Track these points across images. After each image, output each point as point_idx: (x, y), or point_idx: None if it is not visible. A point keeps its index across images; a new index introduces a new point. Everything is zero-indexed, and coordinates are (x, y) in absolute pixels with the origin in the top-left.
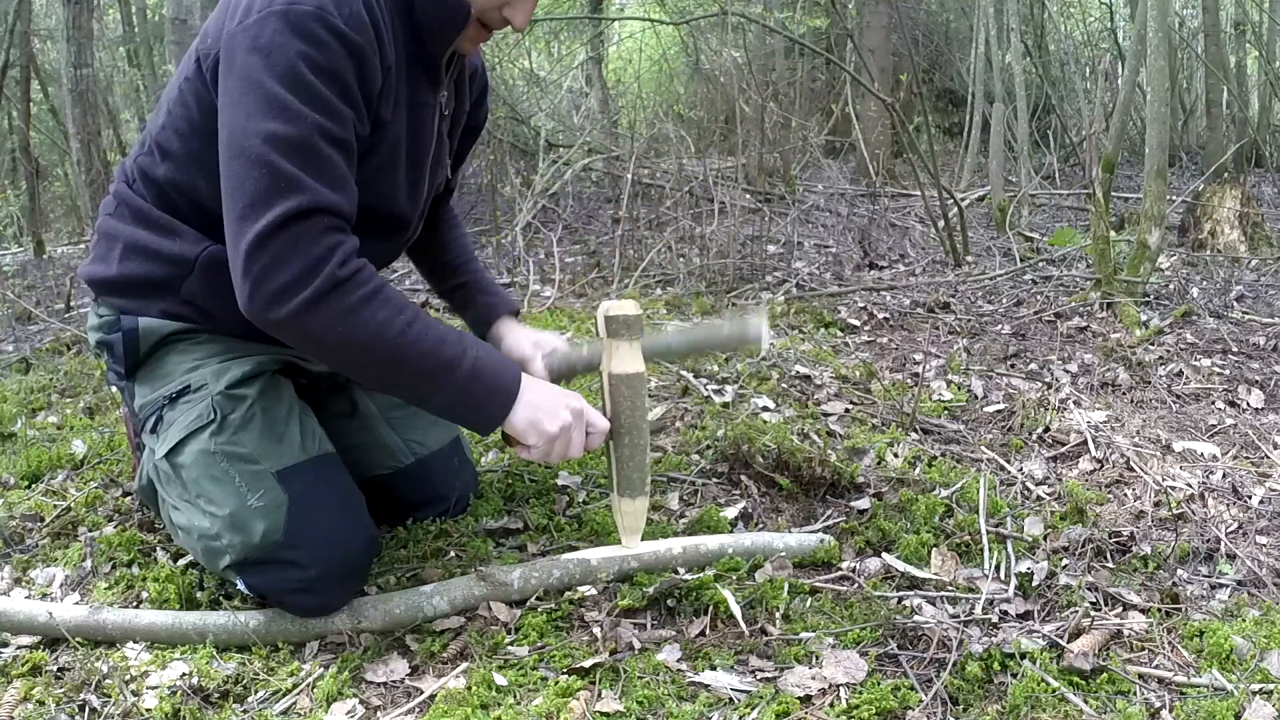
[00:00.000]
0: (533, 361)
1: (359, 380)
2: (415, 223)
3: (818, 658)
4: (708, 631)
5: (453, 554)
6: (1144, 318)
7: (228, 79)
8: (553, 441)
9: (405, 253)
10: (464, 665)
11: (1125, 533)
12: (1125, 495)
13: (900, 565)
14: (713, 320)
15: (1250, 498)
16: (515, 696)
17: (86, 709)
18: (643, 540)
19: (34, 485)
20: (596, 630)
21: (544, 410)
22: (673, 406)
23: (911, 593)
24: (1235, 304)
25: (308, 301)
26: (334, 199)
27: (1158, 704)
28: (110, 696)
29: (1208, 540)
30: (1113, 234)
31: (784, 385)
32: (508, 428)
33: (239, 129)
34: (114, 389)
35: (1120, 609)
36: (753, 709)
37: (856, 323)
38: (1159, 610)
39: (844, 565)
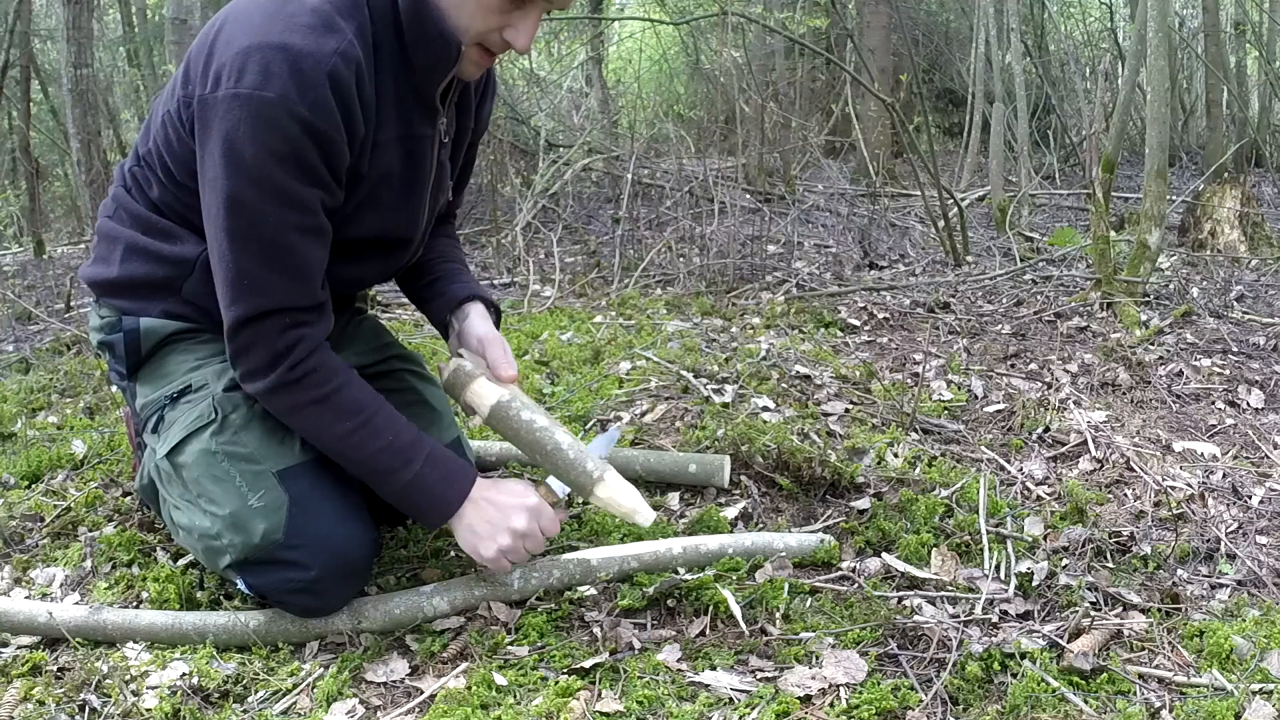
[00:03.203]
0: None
1: None
2: (416, 243)
3: (818, 658)
4: (708, 631)
5: (453, 554)
6: (1144, 318)
7: (201, 156)
8: (496, 559)
9: None
10: (464, 665)
11: (1125, 533)
12: (1125, 495)
13: (900, 565)
14: (679, 455)
15: (1250, 498)
16: (515, 696)
17: (86, 709)
18: (642, 540)
19: (34, 485)
20: (596, 630)
21: (480, 535)
22: (673, 406)
23: (911, 593)
24: (1235, 304)
25: (264, 390)
26: (294, 294)
27: (1158, 704)
28: (110, 696)
29: (1208, 540)
30: (1113, 234)
31: (784, 385)
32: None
33: (211, 218)
34: (115, 389)
35: (1120, 609)
36: (753, 709)
37: (856, 323)
38: (1159, 610)
39: (844, 565)
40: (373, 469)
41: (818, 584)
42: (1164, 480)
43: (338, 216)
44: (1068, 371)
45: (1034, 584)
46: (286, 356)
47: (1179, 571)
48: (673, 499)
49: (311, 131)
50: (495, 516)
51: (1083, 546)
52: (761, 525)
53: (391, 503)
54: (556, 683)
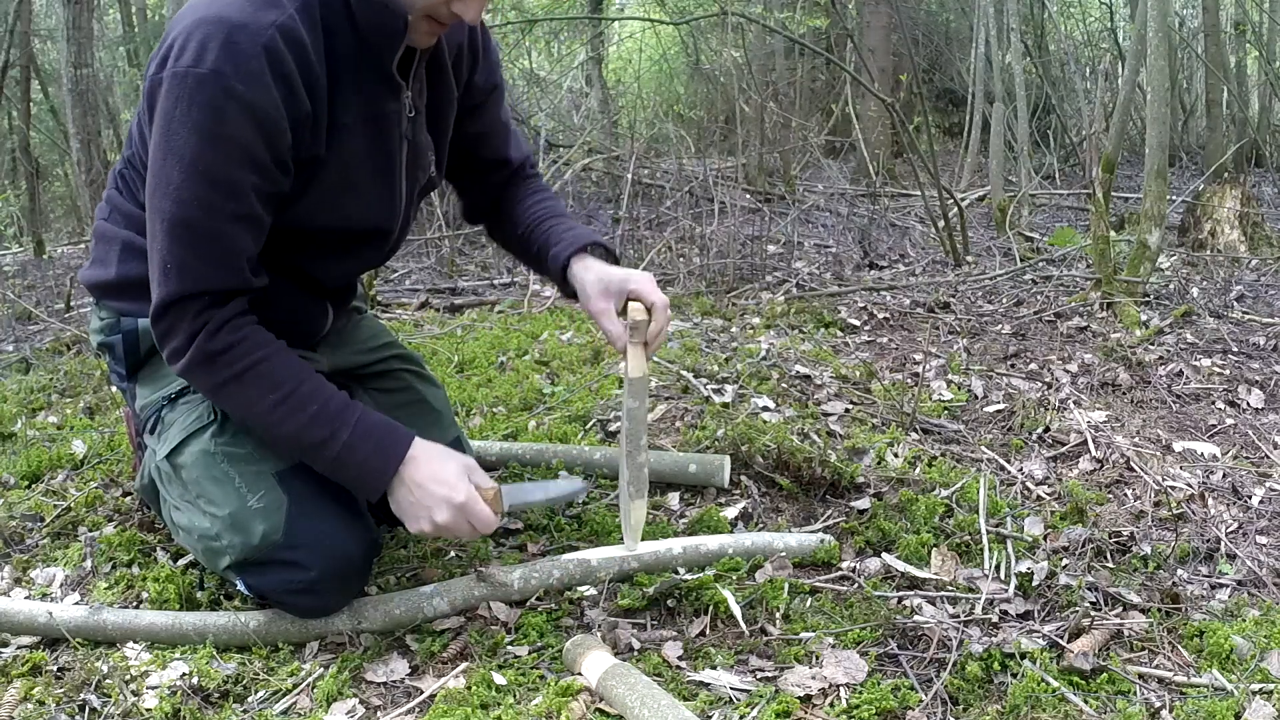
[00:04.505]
0: (604, 316)
1: None
2: (396, 231)
3: (818, 658)
4: (708, 631)
5: (453, 554)
6: (1144, 318)
7: (150, 136)
8: (433, 532)
9: (492, 238)
10: (464, 665)
11: (1125, 533)
12: (1125, 495)
13: (900, 565)
14: (679, 455)
15: (1250, 498)
16: (515, 696)
17: (86, 709)
18: (643, 540)
19: (34, 485)
20: (596, 630)
21: (406, 513)
22: (673, 406)
23: (911, 593)
24: (1235, 304)
25: (185, 368)
26: (215, 280)
27: (1158, 704)
28: (110, 696)
29: (1208, 540)
30: (1113, 234)
31: (784, 385)
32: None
33: (147, 197)
34: (116, 389)
35: (1120, 609)
36: (753, 708)
37: (856, 323)
38: (1159, 610)
39: (844, 565)
40: (302, 442)
41: (818, 584)
42: (1164, 480)
43: (308, 203)
44: (1068, 371)
45: (1034, 584)
46: (200, 333)
47: (1179, 571)
48: (673, 499)
49: (247, 107)
50: (423, 499)
51: (1083, 546)
52: (761, 525)
53: (334, 479)
54: (556, 683)
